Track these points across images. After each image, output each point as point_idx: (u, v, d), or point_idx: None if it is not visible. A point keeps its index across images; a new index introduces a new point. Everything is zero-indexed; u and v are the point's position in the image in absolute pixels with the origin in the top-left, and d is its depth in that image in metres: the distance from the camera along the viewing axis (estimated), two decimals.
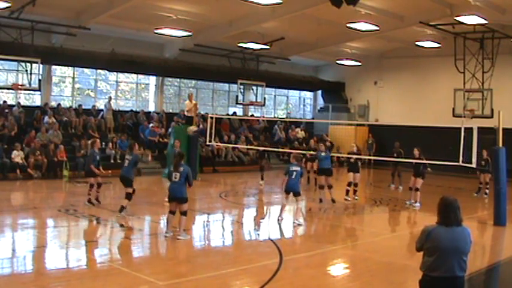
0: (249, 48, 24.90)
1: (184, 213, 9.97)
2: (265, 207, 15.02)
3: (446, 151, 16.28)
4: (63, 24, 20.40)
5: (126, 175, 12.09)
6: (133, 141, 14.32)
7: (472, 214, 14.39)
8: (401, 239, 11.55)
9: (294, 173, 12.07)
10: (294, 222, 11.99)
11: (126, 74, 25.51)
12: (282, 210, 12.33)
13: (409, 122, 23.75)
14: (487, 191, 17.25)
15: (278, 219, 12.13)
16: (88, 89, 25.17)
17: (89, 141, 13.73)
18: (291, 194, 12.13)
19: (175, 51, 24.75)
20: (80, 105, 22.93)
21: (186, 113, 21.53)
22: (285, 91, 32.64)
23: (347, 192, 15.52)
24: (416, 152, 15.11)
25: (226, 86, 29.33)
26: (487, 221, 12.80)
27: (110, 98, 23.17)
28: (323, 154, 15.05)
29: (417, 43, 24.20)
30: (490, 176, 16.97)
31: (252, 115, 29.70)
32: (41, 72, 21.14)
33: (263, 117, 29.48)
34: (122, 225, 11.10)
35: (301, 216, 12.41)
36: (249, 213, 14.21)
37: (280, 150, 24.71)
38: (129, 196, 11.89)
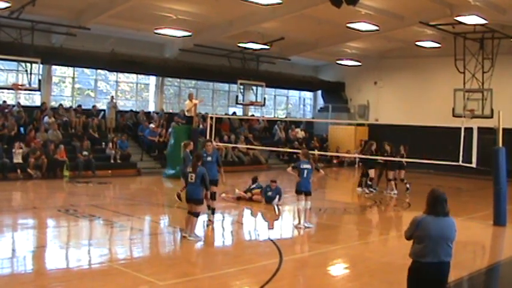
0: (249, 48, 24.90)
1: (196, 215, 9.92)
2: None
3: (446, 151, 16.31)
4: (63, 24, 20.40)
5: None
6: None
7: (472, 214, 14.39)
8: (401, 239, 11.45)
9: (305, 171, 11.31)
10: (304, 226, 11.43)
11: (126, 74, 25.52)
12: (300, 216, 11.51)
13: (409, 121, 23.75)
14: (394, 187, 17.34)
15: (297, 226, 11.50)
16: (88, 89, 25.19)
17: (182, 144, 13.49)
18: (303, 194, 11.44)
19: (175, 51, 24.76)
20: (79, 106, 22.96)
21: (186, 113, 21.55)
22: (285, 91, 32.63)
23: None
24: (402, 148, 17.13)
25: (226, 86, 29.33)
26: (487, 220, 12.79)
27: (112, 97, 23.18)
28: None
29: (417, 43, 24.21)
30: (405, 172, 17.59)
31: (252, 115, 29.72)
32: (41, 72, 21.13)
33: (263, 117, 29.49)
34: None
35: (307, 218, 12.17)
36: (249, 214, 14.20)
37: (281, 149, 24.74)
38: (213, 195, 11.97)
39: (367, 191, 17.25)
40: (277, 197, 14.51)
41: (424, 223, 5.22)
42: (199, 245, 10.24)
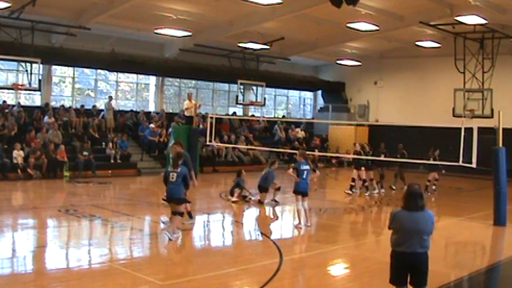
0: (249, 48, 24.90)
1: (179, 214, 9.84)
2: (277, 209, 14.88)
3: (446, 151, 16.30)
4: (63, 24, 20.41)
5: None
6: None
7: (472, 214, 14.40)
8: None
9: (305, 172, 11.38)
10: (305, 225, 11.51)
11: (126, 74, 25.52)
12: (299, 216, 11.55)
13: (409, 122, 23.76)
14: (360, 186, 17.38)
15: (297, 226, 11.53)
16: (88, 89, 25.19)
17: (171, 145, 12.44)
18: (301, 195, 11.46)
19: (175, 51, 24.76)
20: (82, 106, 23.00)
21: (185, 112, 21.57)
22: (285, 91, 32.64)
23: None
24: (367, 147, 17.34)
25: (226, 86, 29.34)
26: (487, 220, 12.79)
27: (111, 97, 23.18)
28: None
29: (417, 43, 24.21)
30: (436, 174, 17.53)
31: (252, 115, 29.72)
32: (41, 72, 21.16)
33: (263, 117, 29.50)
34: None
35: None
36: (249, 213, 14.20)
37: (281, 150, 24.72)
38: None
39: (350, 192, 16.98)
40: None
41: (398, 217, 5.72)
42: (199, 245, 10.26)
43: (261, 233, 11.57)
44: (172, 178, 9.78)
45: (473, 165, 12.96)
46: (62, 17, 20.14)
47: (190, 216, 11.32)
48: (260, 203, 14.45)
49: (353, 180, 17.10)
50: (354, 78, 30.59)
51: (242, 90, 26.81)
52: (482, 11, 18.40)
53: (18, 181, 17.71)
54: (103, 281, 7.39)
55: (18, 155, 18.19)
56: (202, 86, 28.72)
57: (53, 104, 22.74)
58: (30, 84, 20.02)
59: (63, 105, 22.66)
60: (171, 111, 26.33)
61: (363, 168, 16.94)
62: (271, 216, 13.61)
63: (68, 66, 23.28)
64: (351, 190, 17.03)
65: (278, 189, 14.82)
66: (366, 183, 17.14)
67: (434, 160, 16.83)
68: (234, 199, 14.70)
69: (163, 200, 11.68)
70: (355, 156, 17.10)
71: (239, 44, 24.12)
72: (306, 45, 26.23)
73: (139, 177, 20.69)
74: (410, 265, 5.65)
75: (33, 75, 20.04)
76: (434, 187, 17.73)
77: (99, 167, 19.82)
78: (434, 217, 5.73)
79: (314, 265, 8.84)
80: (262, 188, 14.56)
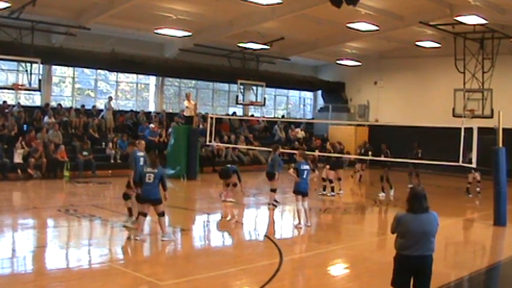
0: (248, 48, 24.89)
1: (162, 214, 9.75)
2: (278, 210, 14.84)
3: (446, 151, 16.29)
4: (63, 24, 20.40)
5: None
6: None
7: (472, 214, 14.41)
8: None
9: (305, 172, 11.50)
10: (305, 225, 11.57)
11: (126, 74, 25.50)
12: (299, 216, 11.60)
13: (409, 122, 23.75)
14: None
15: (297, 226, 11.55)
16: (88, 89, 25.18)
17: (129, 144, 11.71)
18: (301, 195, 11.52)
19: (175, 51, 24.75)
20: (83, 106, 23.00)
21: (184, 113, 21.56)
22: (285, 91, 32.62)
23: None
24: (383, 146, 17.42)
25: (226, 86, 29.32)
26: (487, 221, 12.79)
27: (110, 97, 23.17)
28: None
29: (417, 43, 24.20)
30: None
31: (252, 115, 29.71)
32: (41, 72, 21.13)
33: (263, 117, 29.49)
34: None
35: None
36: (249, 213, 14.21)
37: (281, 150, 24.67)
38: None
39: (328, 194, 16.64)
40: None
41: (404, 220, 5.61)
42: (199, 245, 10.25)
43: (261, 233, 11.59)
44: (149, 179, 9.60)
45: (473, 165, 12.97)
46: (62, 17, 20.14)
47: (131, 214, 10.97)
48: (272, 191, 14.16)
49: (330, 181, 16.75)
50: (354, 78, 30.57)
51: (242, 90, 26.79)
52: (482, 11, 18.39)
53: (18, 181, 17.71)
54: (103, 281, 7.39)
55: (19, 152, 18.20)
56: (202, 86, 28.70)
57: (52, 104, 22.73)
58: (30, 84, 20.00)
59: (59, 104, 22.59)
60: (171, 111, 26.32)
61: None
62: (271, 217, 13.61)
63: (68, 66, 23.25)
64: (332, 191, 16.73)
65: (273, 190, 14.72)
66: (333, 184, 16.82)
67: (386, 156, 16.65)
68: (230, 199, 14.70)
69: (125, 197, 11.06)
70: (356, 156, 17.05)
71: (239, 44, 24.11)
72: (305, 45, 26.22)
73: None
74: (416, 268, 5.59)
75: (33, 75, 20.02)
76: (478, 189, 17.31)
77: (99, 167, 19.82)
78: (438, 218, 5.69)
79: (314, 265, 8.85)
80: (270, 175, 14.26)
